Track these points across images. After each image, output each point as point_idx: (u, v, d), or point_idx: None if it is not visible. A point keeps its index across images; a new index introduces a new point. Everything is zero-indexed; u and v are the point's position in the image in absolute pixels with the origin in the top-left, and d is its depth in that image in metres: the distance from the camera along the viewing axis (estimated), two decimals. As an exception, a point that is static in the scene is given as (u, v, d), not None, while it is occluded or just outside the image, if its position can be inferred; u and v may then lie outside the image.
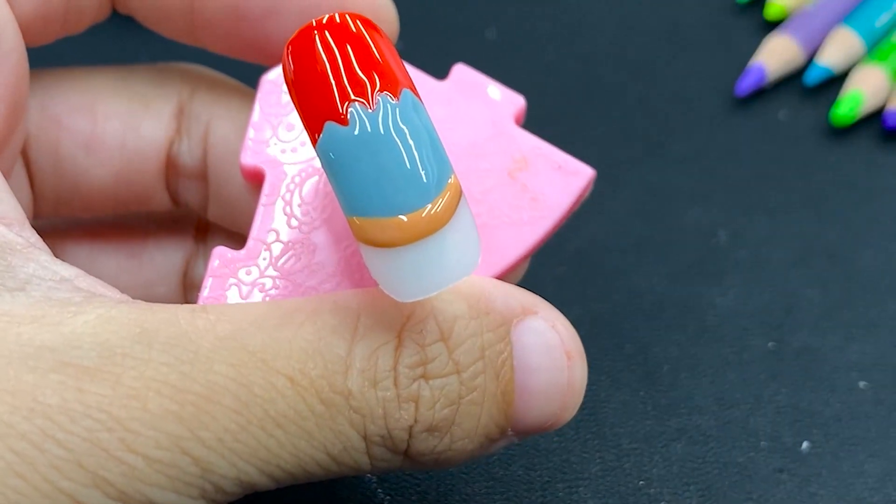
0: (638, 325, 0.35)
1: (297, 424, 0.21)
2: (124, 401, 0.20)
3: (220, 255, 0.26)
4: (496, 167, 0.27)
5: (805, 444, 0.33)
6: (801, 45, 0.42)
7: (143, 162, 0.30)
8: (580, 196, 0.28)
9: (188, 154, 0.31)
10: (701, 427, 0.33)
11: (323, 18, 0.22)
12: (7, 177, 0.27)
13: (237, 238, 0.32)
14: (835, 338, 0.35)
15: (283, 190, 0.27)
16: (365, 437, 0.22)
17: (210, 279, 0.26)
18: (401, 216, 0.21)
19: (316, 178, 0.27)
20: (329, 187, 0.27)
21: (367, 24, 0.22)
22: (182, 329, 0.21)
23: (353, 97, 0.21)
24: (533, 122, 0.42)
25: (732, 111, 0.42)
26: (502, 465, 0.32)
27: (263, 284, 0.26)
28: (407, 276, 0.21)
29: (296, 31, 0.22)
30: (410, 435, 0.22)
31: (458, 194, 0.21)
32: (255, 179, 0.28)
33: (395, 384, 0.22)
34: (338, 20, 0.22)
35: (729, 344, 0.35)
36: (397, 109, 0.21)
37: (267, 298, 0.26)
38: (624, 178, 0.40)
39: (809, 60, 0.42)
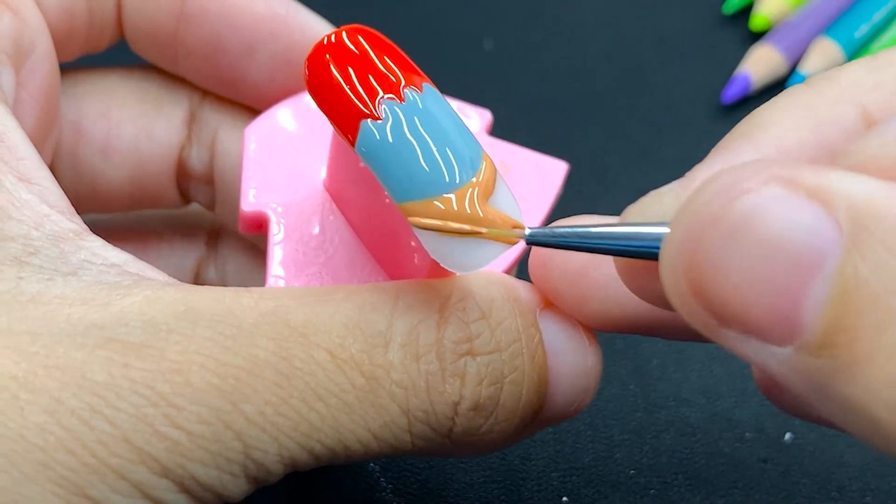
0: (629, 321, 0.36)
1: (338, 397, 0.21)
2: (168, 375, 0.20)
3: None
4: None
5: (788, 435, 0.33)
6: (785, 55, 0.42)
7: (156, 165, 0.30)
8: (560, 189, 0.28)
9: (197, 159, 0.31)
10: (688, 419, 0.33)
11: (331, 36, 0.22)
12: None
13: (248, 241, 0.32)
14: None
15: (290, 228, 0.27)
16: (407, 414, 0.22)
17: None
18: (446, 195, 0.21)
19: (319, 212, 0.27)
20: (334, 217, 0.27)
21: (374, 34, 0.22)
22: (226, 306, 0.21)
23: (383, 94, 0.21)
24: (529, 128, 0.42)
25: (719, 117, 0.42)
26: (499, 456, 0.32)
27: None
28: (464, 248, 0.21)
29: (312, 48, 0.22)
30: (456, 413, 0.22)
31: (493, 167, 0.22)
32: (258, 226, 0.27)
33: (439, 358, 0.22)
34: (345, 36, 0.22)
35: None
36: (424, 100, 0.22)
37: None
38: (616, 181, 0.40)
39: (792, 69, 0.42)
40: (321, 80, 0.22)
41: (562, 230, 0.21)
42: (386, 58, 0.22)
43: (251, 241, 0.32)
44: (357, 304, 0.22)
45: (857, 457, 0.32)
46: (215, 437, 0.20)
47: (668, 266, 0.18)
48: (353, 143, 0.22)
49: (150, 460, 0.20)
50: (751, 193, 0.17)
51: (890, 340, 0.16)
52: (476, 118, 0.29)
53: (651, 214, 0.20)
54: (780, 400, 0.25)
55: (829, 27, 0.42)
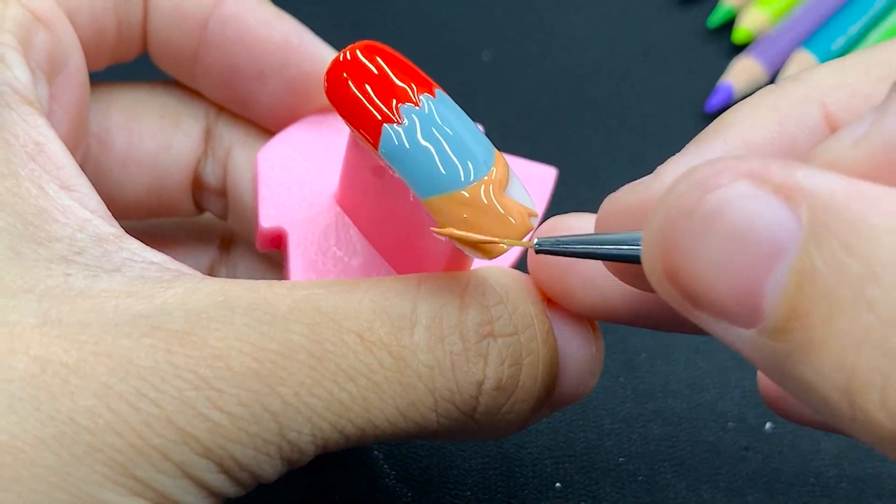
0: (618, 317, 0.36)
1: (367, 377, 0.21)
2: (210, 361, 0.20)
3: None
4: None
5: (768, 425, 0.33)
6: (765, 66, 0.42)
7: (173, 177, 0.31)
8: (551, 193, 0.28)
9: (211, 174, 0.31)
10: (675, 409, 0.33)
11: (346, 53, 0.23)
12: None
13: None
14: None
15: (307, 242, 0.27)
16: (433, 392, 0.22)
17: None
18: (466, 188, 0.21)
19: (334, 225, 0.27)
20: (348, 228, 0.27)
21: (385, 49, 0.23)
22: (261, 294, 0.21)
23: (401, 99, 0.22)
24: (524, 133, 0.42)
25: (703, 125, 0.42)
26: (496, 444, 0.32)
27: None
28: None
29: (330, 64, 0.23)
30: (480, 391, 0.22)
31: (505, 163, 0.22)
32: (276, 243, 0.28)
33: (463, 339, 0.22)
34: (359, 52, 0.23)
35: (700, 334, 0.35)
36: (438, 105, 0.22)
37: None
38: (607, 185, 0.39)
39: (773, 80, 0.42)
40: (340, 93, 0.22)
41: (566, 240, 0.21)
42: (399, 70, 0.22)
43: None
44: (382, 291, 0.22)
45: (833, 446, 0.33)
46: (254, 419, 0.20)
47: (647, 253, 0.18)
48: (375, 147, 0.22)
49: (193, 441, 0.20)
50: (721, 188, 0.17)
51: (838, 329, 0.16)
52: None
53: (624, 204, 0.21)
54: (783, 411, 0.26)
55: (807, 40, 0.42)
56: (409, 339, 0.21)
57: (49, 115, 0.25)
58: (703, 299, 0.17)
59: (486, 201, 0.21)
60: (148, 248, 0.23)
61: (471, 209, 0.21)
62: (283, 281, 0.22)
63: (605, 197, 0.22)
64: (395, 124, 0.22)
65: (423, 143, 0.22)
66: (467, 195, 0.21)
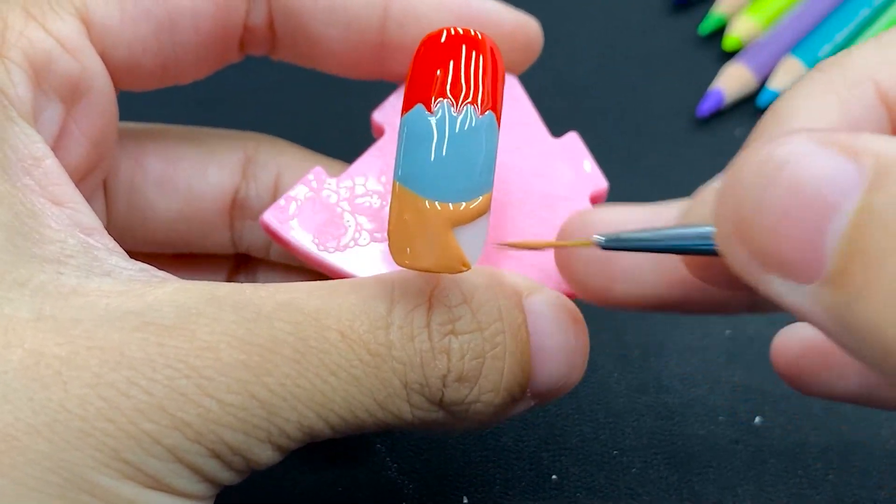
0: (613, 315, 0.36)
1: (348, 371, 0.22)
2: (199, 352, 0.21)
3: (318, 174, 0.27)
4: (553, 222, 0.28)
5: (758, 419, 0.33)
6: (755, 73, 0.42)
7: (206, 202, 0.31)
8: None
9: (256, 198, 0.31)
10: (667, 404, 0.34)
11: (471, 30, 0.23)
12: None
13: (274, 265, 0.32)
14: (783, 326, 0.36)
15: (389, 151, 0.28)
16: (406, 386, 0.22)
17: (300, 186, 0.27)
18: (427, 199, 0.22)
19: None
20: None
21: (493, 48, 0.23)
22: (247, 296, 0.22)
23: (448, 95, 0.22)
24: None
25: (695, 129, 0.42)
26: (494, 438, 0.33)
27: (333, 208, 0.27)
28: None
29: (435, 29, 0.23)
30: (444, 384, 0.23)
31: (484, 209, 0.22)
32: (377, 132, 0.29)
33: (430, 338, 0.23)
34: (479, 35, 0.23)
35: (691, 331, 0.36)
36: (476, 122, 0.22)
37: (331, 222, 0.27)
38: (600, 188, 0.40)
39: (761, 86, 0.43)
40: (423, 51, 0.23)
41: (627, 236, 0.21)
42: (481, 73, 0.23)
43: (282, 264, 0.32)
44: (361, 294, 0.23)
45: (820, 439, 0.33)
46: (243, 405, 0.21)
47: (720, 216, 0.18)
48: (402, 113, 0.22)
49: (184, 426, 0.20)
50: (789, 145, 0.17)
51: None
52: (591, 179, 0.29)
53: (709, 207, 0.20)
54: (800, 383, 0.26)
55: (795, 47, 0.43)
56: (386, 337, 0.22)
57: (66, 136, 0.26)
58: (769, 256, 0.17)
59: (431, 222, 0.22)
60: (133, 261, 0.23)
61: (416, 217, 0.22)
62: (266, 285, 0.23)
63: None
64: (426, 109, 0.22)
65: (429, 138, 0.22)
66: (426, 206, 0.22)
